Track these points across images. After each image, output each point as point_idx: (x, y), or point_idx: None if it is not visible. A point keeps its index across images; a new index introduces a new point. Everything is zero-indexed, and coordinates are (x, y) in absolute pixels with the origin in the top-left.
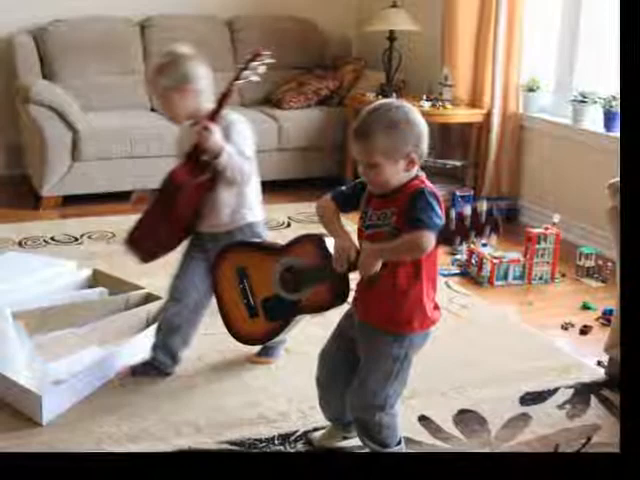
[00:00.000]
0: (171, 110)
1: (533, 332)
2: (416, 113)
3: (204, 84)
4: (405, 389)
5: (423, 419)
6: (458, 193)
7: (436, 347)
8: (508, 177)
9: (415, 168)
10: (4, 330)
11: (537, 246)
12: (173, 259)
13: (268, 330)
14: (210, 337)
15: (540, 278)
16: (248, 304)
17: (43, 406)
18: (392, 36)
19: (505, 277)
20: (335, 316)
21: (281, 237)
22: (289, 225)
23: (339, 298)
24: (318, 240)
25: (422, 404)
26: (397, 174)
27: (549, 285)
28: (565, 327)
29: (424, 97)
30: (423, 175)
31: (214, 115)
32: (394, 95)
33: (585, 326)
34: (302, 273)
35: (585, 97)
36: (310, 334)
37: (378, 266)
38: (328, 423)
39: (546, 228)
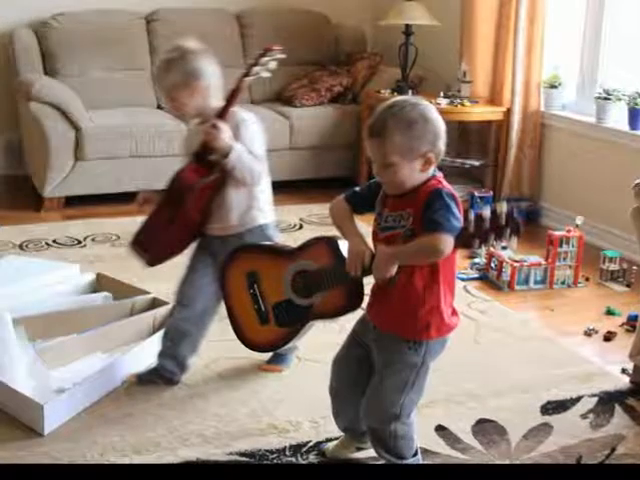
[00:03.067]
0: (179, 107)
1: (555, 338)
2: (433, 111)
3: (213, 80)
4: (422, 398)
5: (440, 429)
6: (477, 194)
7: (454, 354)
8: (528, 177)
9: (432, 168)
10: (4, 336)
11: (559, 249)
12: (181, 263)
13: (279, 336)
14: (219, 344)
15: (562, 282)
16: (259, 309)
17: (45, 416)
18: (408, 30)
19: (526, 281)
20: (349, 322)
21: (293, 240)
22: (301, 227)
23: (353, 303)
24: (331, 243)
25: (439, 413)
26: (413, 174)
27: (572, 289)
28: (588, 333)
29: (441, 94)
30: (440, 175)
31: (223, 112)
32: (410, 92)
33: (609, 332)
34: (314, 277)
35: (609, 94)
36: (323, 341)
37: (394, 270)
38: (341, 433)
39: (568, 231)
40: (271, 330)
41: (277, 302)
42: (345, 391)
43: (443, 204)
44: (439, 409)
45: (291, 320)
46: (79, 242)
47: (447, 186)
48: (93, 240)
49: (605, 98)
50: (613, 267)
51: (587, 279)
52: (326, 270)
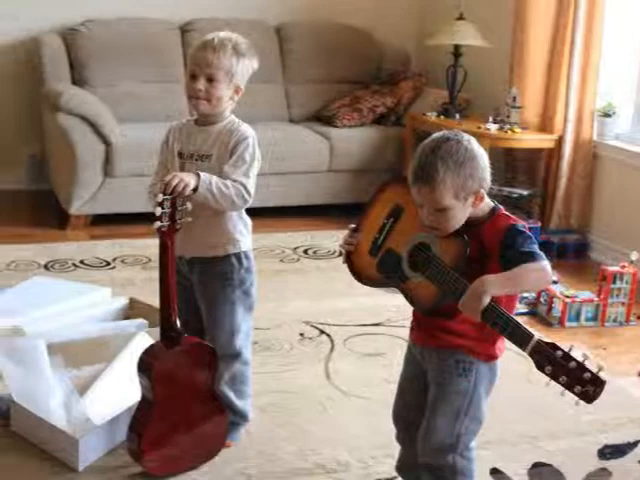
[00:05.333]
0: (211, 97)
1: (608, 379)
2: (475, 143)
3: (244, 82)
4: (475, 439)
5: (495, 472)
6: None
7: (506, 393)
8: (578, 209)
9: (483, 202)
10: (40, 366)
11: (612, 285)
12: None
13: (373, 275)
14: (261, 376)
15: (614, 320)
16: (376, 240)
17: (80, 450)
18: (457, 51)
19: (577, 318)
20: (396, 357)
21: (332, 267)
22: (340, 254)
23: (432, 308)
24: (462, 243)
25: (494, 456)
26: (466, 213)
27: (624, 328)
28: None
29: (490, 119)
30: (502, 208)
31: None
32: (457, 115)
33: None
34: (428, 260)
35: None
36: (369, 376)
37: (486, 302)
38: (394, 474)
39: (623, 266)
40: (371, 265)
41: (392, 249)
42: (410, 421)
43: (525, 237)
44: (493, 451)
45: (388, 273)
46: (108, 264)
47: (518, 220)
48: (123, 262)
49: None
50: None
51: (639, 317)
52: (439, 264)
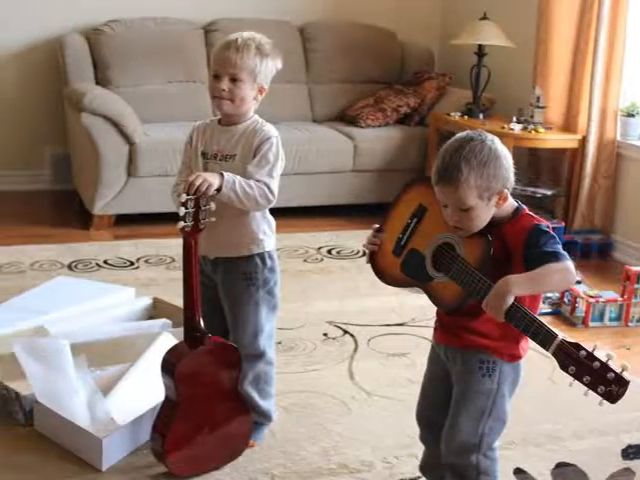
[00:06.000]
0: (234, 97)
1: (632, 379)
2: (499, 143)
3: (268, 82)
4: (499, 439)
5: (519, 472)
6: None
7: (530, 393)
8: (602, 209)
9: (507, 202)
10: (64, 367)
11: (636, 285)
12: None
13: (396, 275)
14: (285, 376)
15: (638, 320)
16: (399, 240)
17: (103, 450)
18: (481, 51)
19: (601, 318)
20: (419, 357)
21: (356, 267)
22: (364, 254)
23: (455, 308)
24: (488, 248)
25: (517, 455)
26: (490, 213)
27: None
28: None
29: (514, 119)
30: (526, 208)
31: None
32: (481, 115)
33: None
34: (452, 259)
35: None
36: (394, 376)
37: (509, 302)
38: (417, 474)
39: None
40: (395, 265)
41: (415, 249)
42: (434, 421)
43: (549, 237)
44: (517, 451)
45: (411, 273)
46: (131, 263)
47: (541, 220)
48: (146, 262)
49: None
50: None
51: None
52: (463, 264)
